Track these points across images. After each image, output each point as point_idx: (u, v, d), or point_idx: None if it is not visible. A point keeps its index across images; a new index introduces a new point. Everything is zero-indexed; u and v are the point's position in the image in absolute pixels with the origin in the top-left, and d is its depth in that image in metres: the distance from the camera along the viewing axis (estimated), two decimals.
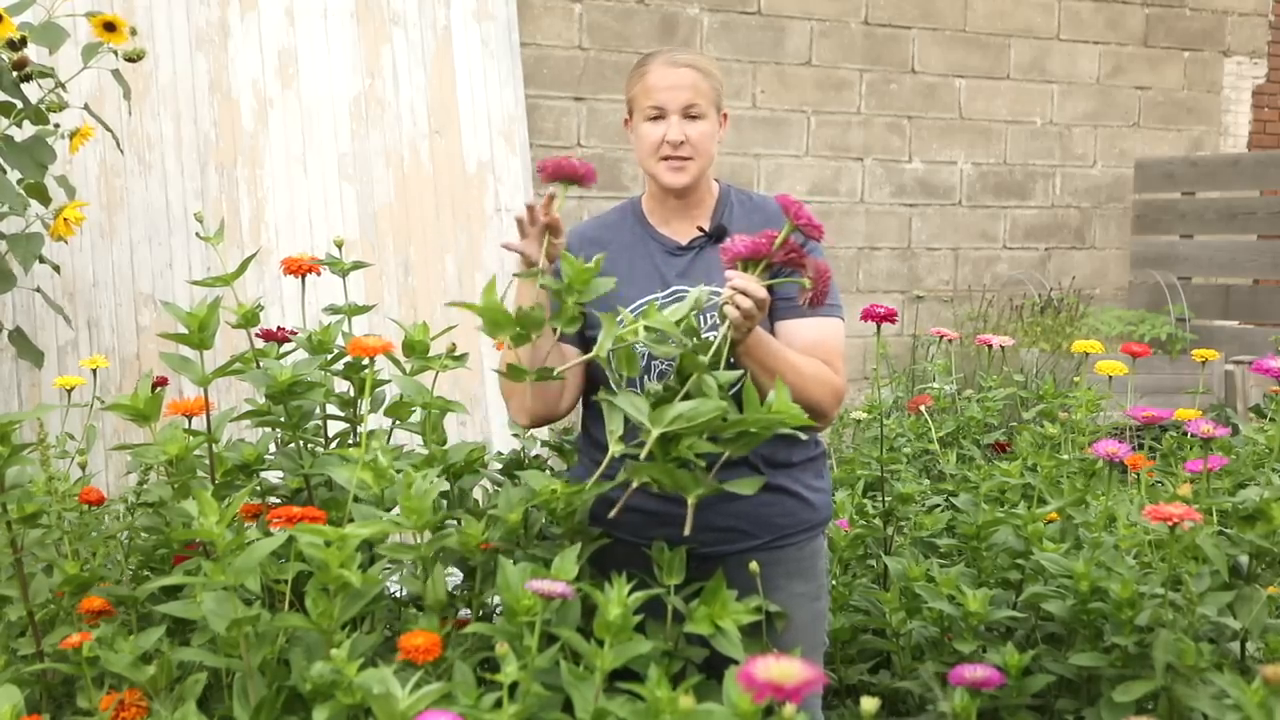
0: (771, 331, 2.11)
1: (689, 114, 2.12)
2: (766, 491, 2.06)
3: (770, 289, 1.90)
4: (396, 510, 1.85)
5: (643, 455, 1.81)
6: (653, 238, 2.19)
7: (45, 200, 3.14)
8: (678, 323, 1.85)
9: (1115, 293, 6.31)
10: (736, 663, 1.73)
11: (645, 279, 2.14)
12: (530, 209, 1.94)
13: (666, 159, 2.12)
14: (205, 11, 4.08)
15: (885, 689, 2.58)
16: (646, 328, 1.84)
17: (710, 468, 1.87)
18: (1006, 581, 2.58)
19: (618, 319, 2.03)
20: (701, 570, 1.95)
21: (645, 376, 2.08)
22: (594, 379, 2.17)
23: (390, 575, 2.05)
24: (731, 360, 1.92)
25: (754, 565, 1.99)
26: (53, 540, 2.08)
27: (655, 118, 2.13)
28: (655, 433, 1.79)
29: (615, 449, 1.86)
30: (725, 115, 2.21)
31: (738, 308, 1.84)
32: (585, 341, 2.16)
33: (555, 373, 1.93)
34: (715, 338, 1.89)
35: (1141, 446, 3.24)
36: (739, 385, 1.86)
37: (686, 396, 1.82)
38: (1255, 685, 1.56)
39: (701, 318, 2.04)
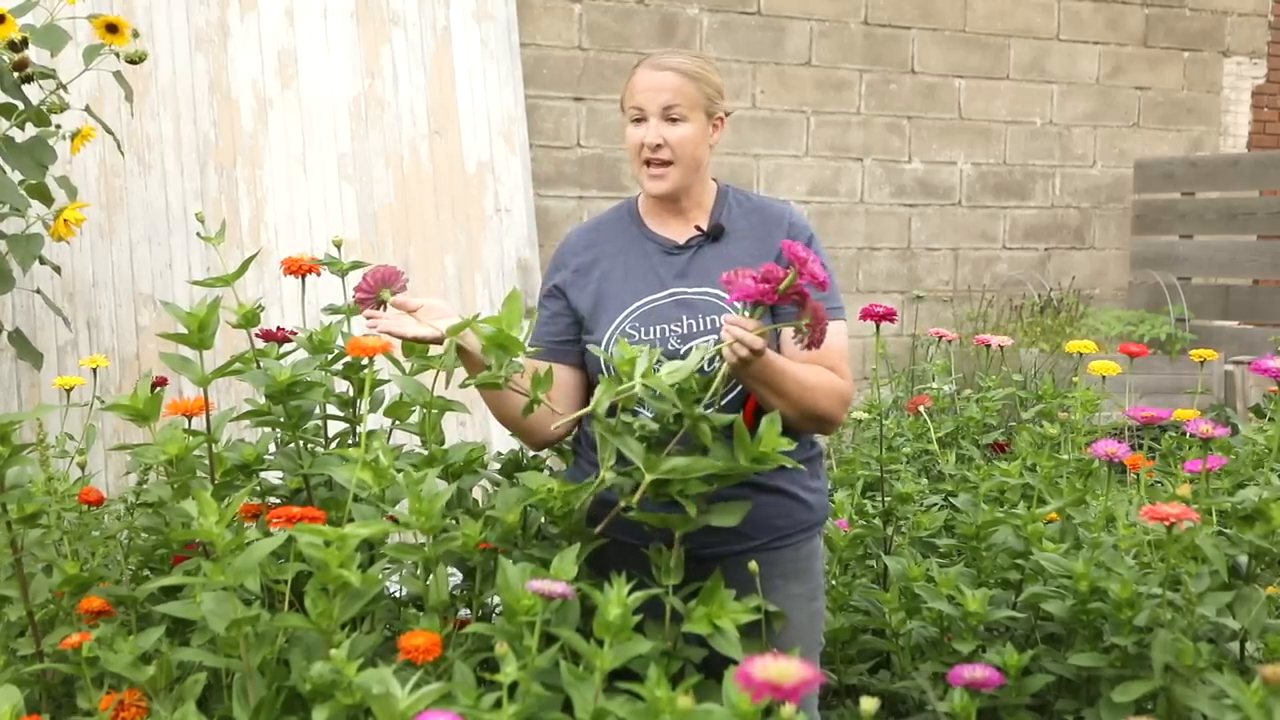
0: (776, 336, 2.12)
1: (668, 116, 2.09)
2: (764, 493, 2.06)
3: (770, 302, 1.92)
4: (400, 508, 1.85)
5: (635, 498, 1.87)
6: (649, 238, 2.19)
7: (47, 201, 3.14)
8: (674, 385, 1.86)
9: (1115, 293, 6.31)
10: (735, 662, 1.74)
11: (642, 280, 2.14)
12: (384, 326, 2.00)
13: (647, 164, 2.12)
14: (205, 12, 4.09)
15: (885, 689, 2.58)
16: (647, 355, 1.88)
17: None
18: (1006, 581, 2.58)
19: (617, 319, 2.04)
20: (699, 571, 1.95)
21: None
22: (594, 385, 2.18)
23: (390, 575, 2.05)
24: (735, 384, 1.97)
25: (753, 565, 2.00)
26: (52, 540, 2.08)
27: (637, 120, 2.12)
28: (649, 479, 1.84)
29: (607, 476, 1.89)
30: (721, 119, 2.17)
31: (735, 355, 1.85)
32: (581, 348, 2.17)
33: (553, 426, 2.05)
34: (710, 360, 1.92)
35: (1141, 447, 3.24)
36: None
37: (684, 438, 1.87)
38: (1254, 685, 1.56)
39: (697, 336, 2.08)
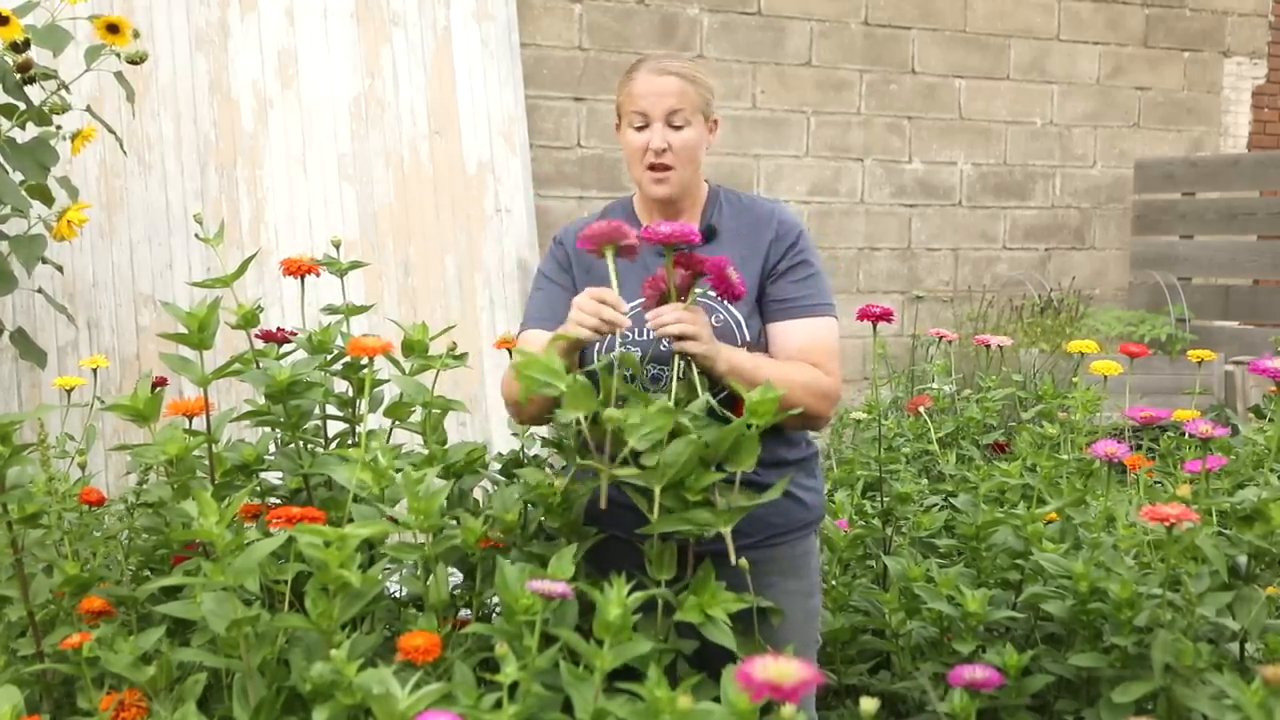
0: (763, 334, 2.12)
1: (672, 122, 2.11)
2: (760, 491, 2.06)
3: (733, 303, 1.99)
4: (400, 507, 1.85)
5: (655, 514, 1.83)
6: None
7: (49, 201, 3.14)
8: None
9: (1115, 293, 6.31)
10: (731, 657, 1.75)
11: (636, 281, 2.14)
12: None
13: (651, 168, 2.13)
14: (205, 12, 4.09)
15: (885, 689, 2.58)
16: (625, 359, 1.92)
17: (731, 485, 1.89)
18: (1006, 582, 2.59)
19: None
20: (696, 568, 1.95)
21: (643, 379, 2.10)
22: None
23: (390, 575, 2.05)
24: (725, 388, 1.96)
25: (743, 562, 1.99)
26: (53, 540, 2.08)
27: (640, 126, 2.13)
28: (657, 489, 1.81)
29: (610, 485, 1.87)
30: (716, 122, 2.20)
31: (676, 337, 1.89)
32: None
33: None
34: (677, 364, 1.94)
35: (1140, 447, 3.24)
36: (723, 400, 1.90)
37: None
38: (1254, 686, 1.56)
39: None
